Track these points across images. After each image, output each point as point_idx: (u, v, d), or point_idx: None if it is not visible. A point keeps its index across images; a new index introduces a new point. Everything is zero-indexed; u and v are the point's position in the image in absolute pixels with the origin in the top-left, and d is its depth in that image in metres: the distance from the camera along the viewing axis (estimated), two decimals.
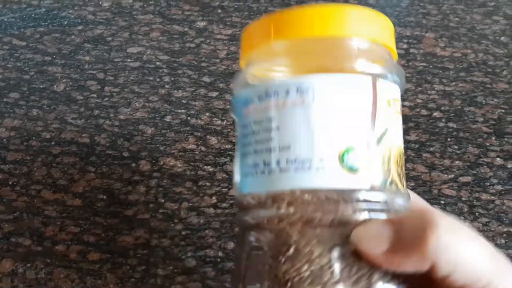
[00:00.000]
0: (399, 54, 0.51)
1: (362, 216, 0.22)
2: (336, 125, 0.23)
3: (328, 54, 0.24)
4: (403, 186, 0.25)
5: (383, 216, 0.22)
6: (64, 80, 0.48)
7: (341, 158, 0.22)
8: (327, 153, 0.22)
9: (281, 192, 0.23)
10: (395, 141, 0.24)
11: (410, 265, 0.20)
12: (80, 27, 0.53)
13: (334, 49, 0.24)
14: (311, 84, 0.23)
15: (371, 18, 0.25)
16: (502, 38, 0.52)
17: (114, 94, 0.47)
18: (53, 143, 0.43)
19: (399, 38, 0.52)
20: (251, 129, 0.24)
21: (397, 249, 0.20)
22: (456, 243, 0.19)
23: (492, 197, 0.40)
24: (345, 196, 0.22)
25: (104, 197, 0.40)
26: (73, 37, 0.52)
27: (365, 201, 0.22)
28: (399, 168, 0.24)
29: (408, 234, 0.20)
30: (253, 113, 0.24)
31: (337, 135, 0.23)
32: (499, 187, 0.41)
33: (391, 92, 0.24)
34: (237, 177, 0.26)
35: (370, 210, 0.22)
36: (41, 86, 0.47)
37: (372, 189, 0.23)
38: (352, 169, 0.22)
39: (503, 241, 0.38)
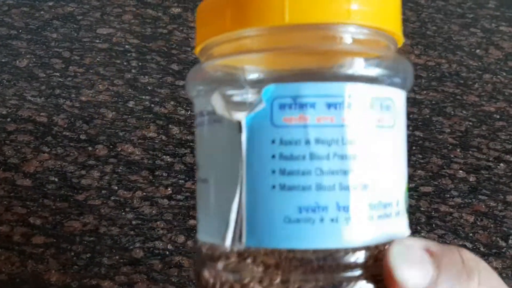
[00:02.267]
0: None
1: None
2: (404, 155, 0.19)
3: (306, 51, 0.18)
4: None
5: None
6: (28, 56, 0.46)
7: (406, 200, 0.19)
8: (399, 194, 0.19)
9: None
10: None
11: None
12: (50, 3, 0.51)
13: (314, 43, 0.18)
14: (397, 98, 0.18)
15: None
16: (478, 51, 0.52)
17: (78, 74, 0.45)
18: (8, 119, 0.42)
19: None
20: (308, 151, 0.17)
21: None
22: None
23: (451, 210, 0.40)
24: None
25: (56, 179, 0.39)
26: (42, 12, 0.50)
27: None
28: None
29: (449, 275, 0.17)
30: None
31: (403, 169, 0.19)
32: (458, 200, 0.41)
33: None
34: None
35: None
36: (3, 60, 0.46)
37: None
38: (408, 212, 0.19)
39: None
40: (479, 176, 0.42)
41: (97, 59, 0.47)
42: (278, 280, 0.17)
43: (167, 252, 0.36)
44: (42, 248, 0.35)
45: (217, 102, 0.18)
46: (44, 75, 0.45)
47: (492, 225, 0.39)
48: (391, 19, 0.19)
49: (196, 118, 0.20)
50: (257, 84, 0.17)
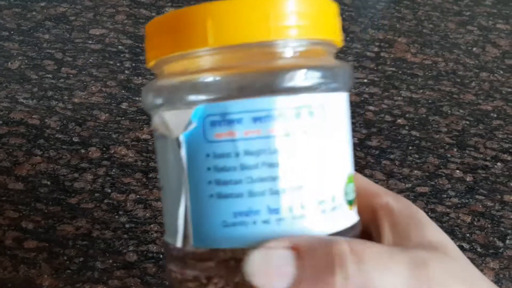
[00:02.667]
0: (369, 58, 0.50)
1: None
2: (338, 152, 0.20)
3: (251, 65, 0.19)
4: None
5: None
6: (19, 58, 0.46)
7: (345, 192, 0.20)
8: (333, 190, 0.19)
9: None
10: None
11: None
12: (43, 4, 0.50)
13: (240, 62, 0.19)
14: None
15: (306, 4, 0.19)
16: (474, 49, 0.51)
17: (71, 76, 0.45)
18: (0, 122, 0.41)
19: (371, 41, 0.51)
20: (239, 163, 0.18)
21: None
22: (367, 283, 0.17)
23: (448, 210, 0.40)
24: None
25: (48, 182, 0.38)
26: (34, 13, 0.50)
27: None
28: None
29: (313, 272, 0.17)
30: (243, 139, 0.18)
31: (338, 166, 0.20)
32: (455, 200, 0.40)
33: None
34: (187, 227, 0.19)
35: None
36: None
37: None
38: (351, 202, 0.20)
39: None
40: (476, 175, 0.42)
41: (90, 60, 0.46)
42: (238, 276, 0.18)
43: (161, 256, 0.35)
44: (34, 253, 0.35)
45: (158, 122, 0.19)
46: (36, 77, 0.45)
47: (489, 225, 0.39)
48: (323, 26, 0.19)
49: (154, 131, 0.21)
50: (191, 105, 0.19)
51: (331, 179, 0.19)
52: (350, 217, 0.20)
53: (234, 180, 0.18)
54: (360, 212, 0.22)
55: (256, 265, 0.17)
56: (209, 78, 0.19)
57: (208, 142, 0.18)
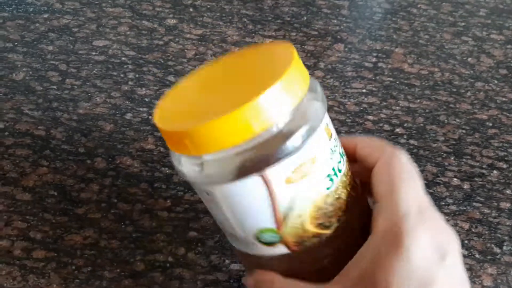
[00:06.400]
0: (367, 68, 0.51)
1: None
2: (241, 216, 0.26)
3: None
4: (326, 228, 0.27)
5: None
6: (24, 69, 0.46)
7: (257, 237, 0.26)
8: (244, 233, 0.27)
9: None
10: (309, 198, 0.26)
11: None
12: (46, 15, 0.51)
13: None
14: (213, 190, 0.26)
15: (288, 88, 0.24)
16: (469, 59, 0.53)
17: (75, 87, 0.46)
18: (6, 133, 0.42)
19: (368, 52, 0.52)
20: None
21: None
22: None
23: (446, 217, 0.41)
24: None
25: (55, 193, 0.39)
26: (37, 25, 0.50)
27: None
28: (318, 218, 0.26)
29: None
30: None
31: (245, 222, 0.26)
32: (453, 207, 0.41)
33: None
34: None
35: None
36: None
37: (293, 252, 0.27)
38: (269, 244, 0.26)
39: None
40: (473, 183, 0.43)
41: (94, 71, 0.47)
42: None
43: (168, 265, 0.36)
44: (43, 263, 0.36)
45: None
46: (41, 88, 0.45)
47: (486, 232, 0.40)
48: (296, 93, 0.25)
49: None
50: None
51: (237, 227, 0.27)
52: (266, 251, 0.27)
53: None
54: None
55: (248, 282, 0.29)
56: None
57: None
